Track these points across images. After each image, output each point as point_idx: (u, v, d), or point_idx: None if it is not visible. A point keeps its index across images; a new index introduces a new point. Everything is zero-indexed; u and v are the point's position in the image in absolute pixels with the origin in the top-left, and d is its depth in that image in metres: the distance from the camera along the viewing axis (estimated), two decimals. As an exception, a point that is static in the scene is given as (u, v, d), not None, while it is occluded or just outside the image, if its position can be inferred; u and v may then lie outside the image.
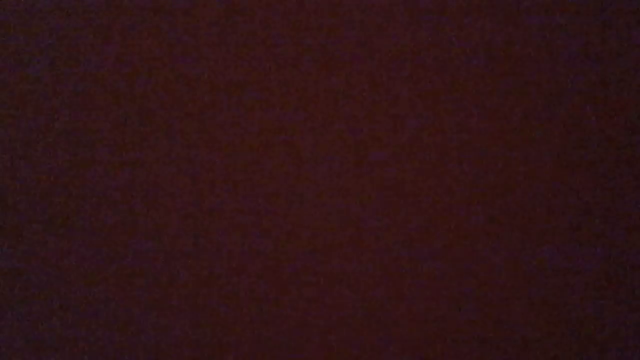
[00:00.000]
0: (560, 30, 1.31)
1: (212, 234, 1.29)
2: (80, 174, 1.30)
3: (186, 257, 1.29)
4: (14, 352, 1.29)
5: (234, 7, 1.31)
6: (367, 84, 1.30)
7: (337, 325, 1.29)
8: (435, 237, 1.29)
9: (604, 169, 1.30)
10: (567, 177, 1.30)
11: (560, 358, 1.29)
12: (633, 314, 1.29)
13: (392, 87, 1.30)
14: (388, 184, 1.30)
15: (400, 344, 1.29)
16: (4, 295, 1.29)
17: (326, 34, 1.31)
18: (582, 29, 1.31)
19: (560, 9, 1.31)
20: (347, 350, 1.29)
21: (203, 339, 1.29)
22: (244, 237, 1.29)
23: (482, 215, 1.29)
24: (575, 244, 1.30)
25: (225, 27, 1.31)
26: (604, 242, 1.30)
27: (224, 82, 1.31)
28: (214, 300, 1.29)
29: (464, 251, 1.29)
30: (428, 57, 1.31)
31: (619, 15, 1.31)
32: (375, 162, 1.30)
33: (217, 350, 1.29)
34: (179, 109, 1.30)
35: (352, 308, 1.29)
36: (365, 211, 1.30)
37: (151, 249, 1.29)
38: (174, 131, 1.30)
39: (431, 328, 1.29)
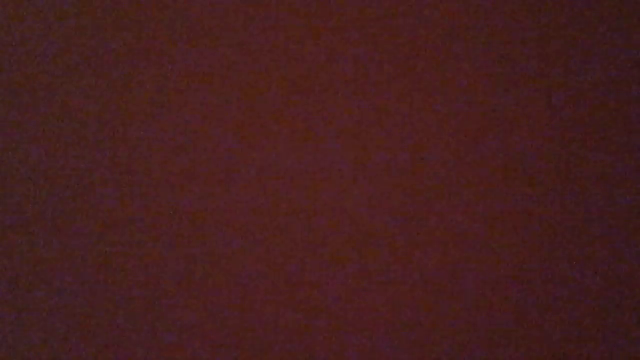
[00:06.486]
0: (560, 30, 1.31)
1: (212, 234, 1.30)
2: (80, 174, 1.30)
3: (186, 257, 1.29)
4: (13, 352, 1.29)
5: (234, 7, 1.31)
6: (367, 84, 1.31)
7: (337, 326, 1.29)
8: (436, 237, 1.29)
9: (604, 168, 1.30)
10: (567, 176, 1.30)
11: (560, 358, 1.29)
12: (633, 314, 1.29)
13: (391, 87, 1.31)
14: (388, 184, 1.30)
15: (401, 344, 1.29)
16: (4, 295, 1.29)
17: (329, 35, 1.31)
18: (583, 29, 1.31)
19: (559, 8, 1.31)
20: (348, 351, 1.29)
21: (202, 340, 1.29)
22: (244, 238, 1.30)
23: (482, 215, 1.30)
24: (575, 243, 1.30)
25: (226, 26, 1.31)
26: (604, 242, 1.30)
27: (224, 81, 1.31)
28: (214, 301, 1.29)
29: (464, 251, 1.29)
30: (429, 56, 1.31)
31: (618, 15, 1.31)
32: (375, 162, 1.30)
33: (217, 350, 1.29)
34: (179, 109, 1.31)
35: (353, 309, 1.29)
36: (365, 211, 1.30)
37: (151, 249, 1.29)
38: (175, 131, 1.30)
39: (432, 328, 1.29)
